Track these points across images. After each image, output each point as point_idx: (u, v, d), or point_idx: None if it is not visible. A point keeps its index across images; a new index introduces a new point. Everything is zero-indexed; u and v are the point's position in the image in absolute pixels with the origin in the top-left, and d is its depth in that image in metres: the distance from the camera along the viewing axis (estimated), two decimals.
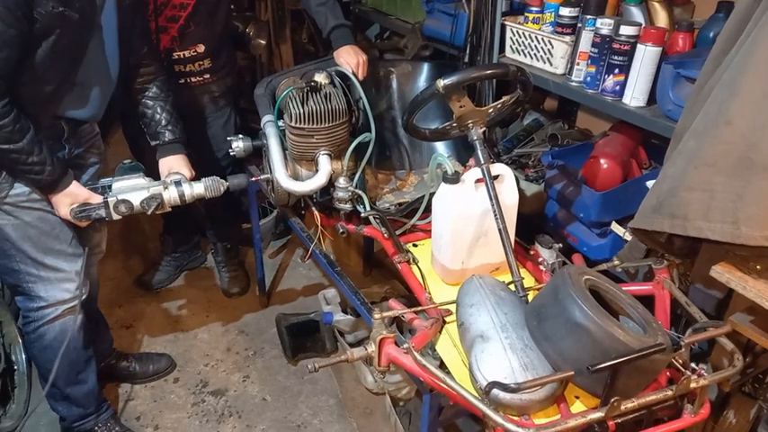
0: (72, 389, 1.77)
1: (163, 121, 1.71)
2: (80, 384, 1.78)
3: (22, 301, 1.66)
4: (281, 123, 1.75)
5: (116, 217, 1.54)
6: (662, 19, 1.80)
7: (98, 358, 1.87)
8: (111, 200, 1.52)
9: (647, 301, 1.34)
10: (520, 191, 1.54)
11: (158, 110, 1.71)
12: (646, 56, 1.62)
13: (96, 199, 1.53)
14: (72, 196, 1.51)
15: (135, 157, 2.11)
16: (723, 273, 1.24)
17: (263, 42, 2.83)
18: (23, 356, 2.05)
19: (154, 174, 1.69)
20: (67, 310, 1.64)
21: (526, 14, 1.96)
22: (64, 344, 1.61)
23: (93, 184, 1.58)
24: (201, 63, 2.10)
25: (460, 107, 1.42)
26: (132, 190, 1.56)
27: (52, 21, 1.30)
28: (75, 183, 1.51)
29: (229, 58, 2.23)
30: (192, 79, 2.11)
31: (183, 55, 2.05)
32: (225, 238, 2.58)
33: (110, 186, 1.57)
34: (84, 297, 1.67)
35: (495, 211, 1.38)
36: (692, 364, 1.15)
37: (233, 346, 2.31)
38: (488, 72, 1.48)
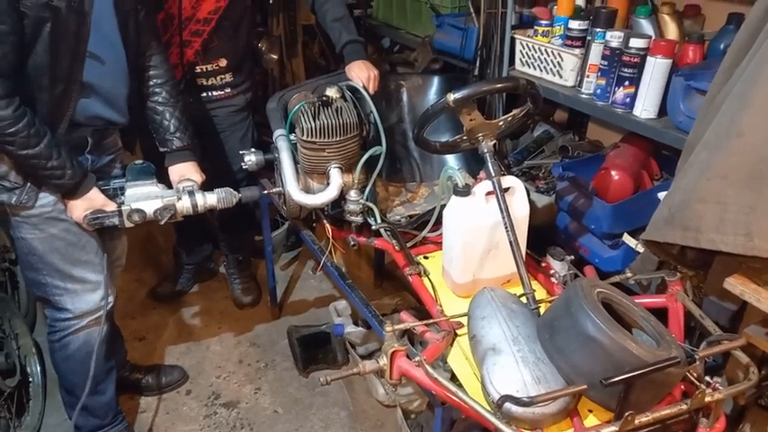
0: (90, 399, 1.77)
1: (171, 128, 1.70)
2: (99, 395, 1.79)
3: (50, 312, 1.68)
4: (292, 137, 1.77)
5: (128, 225, 1.55)
6: (672, 31, 1.81)
7: None
8: (126, 209, 1.53)
9: (661, 313, 1.34)
10: (530, 203, 1.55)
11: (167, 116, 1.69)
12: (656, 68, 1.63)
13: (111, 206, 1.53)
14: (89, 201, 1.51)
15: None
16: (737, 285, 1.23)
17: (275, 57, 2.87)
18: (38, 368, 2.07)
19: (165, 178, 1.69)
20: (93, 321, 1.66)
21: (536, 28, 1.97)
22: (93, 354, 1.62)
23: (105, 184, 1.58)
24: (223, 77, 2.13)
25: (471, 120, 1.43)
26: (146, 198, 1.57)
27: (40, 12, 1.30)
28: (95, 188, 1.52)
29: (250, 72, 2.27)
30: (214, 93, 2.14)
31: (206, 69, 2.09)
32: (237, 249, 2.60)
33: (122, 188, 1.58)
34: (110, 307, 1.69)
35: (506, 224, 1.38)
36: (707, 378, 1.14)
37: (245, 358, 2.32)
38: (499, 86, 1.49)
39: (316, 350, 2.27)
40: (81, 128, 1.54)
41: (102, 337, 1.71)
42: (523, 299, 1.36)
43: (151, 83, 1.68)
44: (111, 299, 1.70)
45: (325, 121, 1.63)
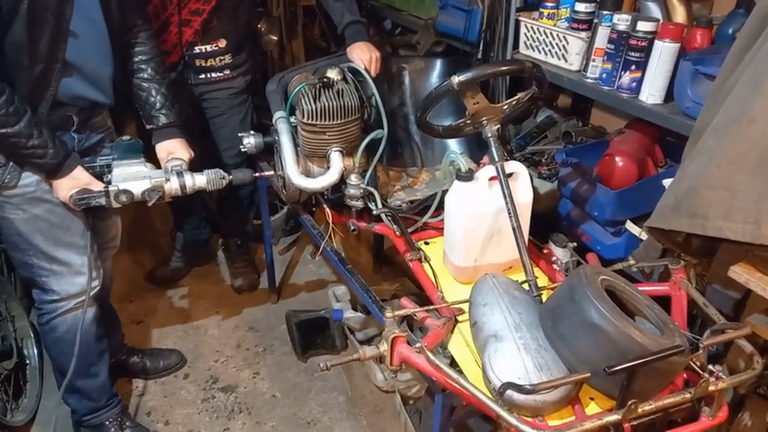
0: (83, 382, 1.77)
1: (157, 104, 1.67)
2: (91, 378, 1.78)
3: (36, 293, 1.67)
4: (292, 120, 1.74)
5: (116, 206, 1.52)
6: (680, 15, 1.77)
7: (110, 354, 1.87)
8: (113, 189, 1.50)
9: (664, 301, 1.32)
10: (533, 189, 1.53)
11: (153, 92, 1.66)
12: (663, 52, 1.59)
13: (97, 186, 1.50)
14: (74, 180, 1.48)
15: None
16: (742, 273, 1.22)
17: (274, 38, 2.83)
18: (35, 351, 2.06)
19: (155, 157, 1.66)
20: (79, 303, 1.65)
21: (541, 10, 1.93)
22: (77, 336, 1.61)
23: (92, 161, 1.55)
24: (222, 58, 2.10)
25: (475, 104, 1.40)
26: (134, 178, 1.53)
27: None
28: (79, 167, 1.48)
29: (249, 54, 2.23)
30: (213, 75, 2.11)
31: (205, 49, 2.05)
32: (236, 234, 2.58)
33: (108, 166, 1.55)
34: (96, 290, 1.67)
35: (509, 210, 1.36)
36: (710, 366, 1.13)
37: (243, 343, 2.31)
38: (504, 68, 1.46)
39: (314, 335, 2.27)
40: (65, 107, 1.50)
41: (91, 320, 1.70)
42: (525, 286, 1.35)
43: (136, 59, 1.66)
44: (96, 282, 1.67)
45: (326, 104, 1.60)
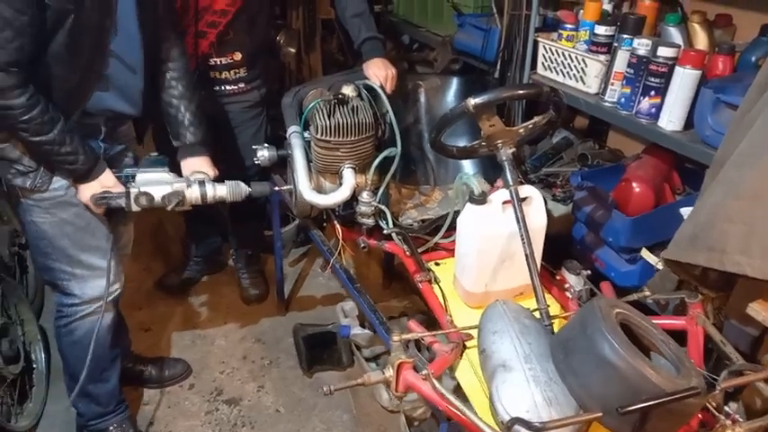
0: (94, 386, 1.78)
1: (186, 122, 1.68)
2: (103, 383, 1.79)
3: (57, 297, 1.69)
4: (306, 135, 1.73)
5: (135, 208, 1.53)
6: (701, 41, 1.74)
7: None
8: (134, 191, 1.51)
9: (679, 335, 1.29)
10: (547, 212, 1.50)
11: (182, 109, 1.67)
12: (684, 79, 1.57)
13: (119, 188, 1.52)
14: (101, 183, 1.51)
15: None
16: (760, 311, 1.19)
17: (292, 51, 2.84)
18: (43, 356, 2.07)
19: (178, 172, 1.66)
20: (99, 307, 1.65)
21: (560, 31, 1.92)
22: (93, 339, 1.62)
23: (118, 172, 1.57)
24: (237, 71, 2.10)
25: (490, 126, 1.38)
26: (156, 183, 1.54)
27: (64, 4, 1.28)
28: (107, 171, 1.51)
29: (264, 68, 2.23)
30: (227, 87, 2.12)
31: (220, 62, 2.06)
32: (247, 244, 2.57)
33: (134, 176, 1.57)
34: (117, 293, 1.69)
35: (522, 235, 1.34)
36: (726, 407, 1.09)
37: (249, 354, 2.30)
38: (521, 92, 1.44)
39: (321, 350, 2.25)
40: (93, 116, 1.53)
41: (109, 324, 1.71)
42: (536, 314, 1.32)
43: (168, 75, 1.66)
44: (117, 286, 1.69)
45: (340, 120, 1.60)
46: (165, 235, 2.88)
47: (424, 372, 1.12)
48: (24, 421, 1.88)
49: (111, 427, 1.84)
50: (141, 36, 1.50)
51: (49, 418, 1.97)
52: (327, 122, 1.60)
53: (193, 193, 1.58)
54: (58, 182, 1.50)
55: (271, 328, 2.43)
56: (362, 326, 2.16)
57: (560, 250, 1.72)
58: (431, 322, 1.42)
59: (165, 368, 2.14)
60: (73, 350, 1.73)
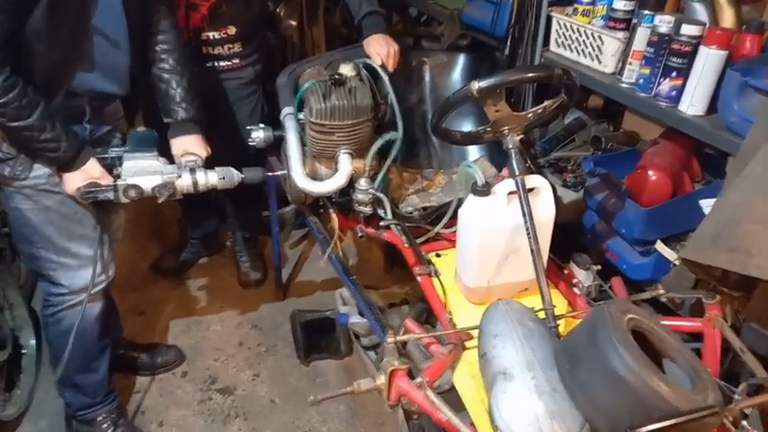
0: (82, 377, 1.73)
1: (177, 97, 1.59)
2: (91, 373, 1.74)
3: (44, 285, 1.63)
4: (301, 117, 1.63)
5: (124, 201, 1.46)
6: (728, 17, 1.61)
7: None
8: (122, 184, 1.44)
9: (694, 337, 1.20)
10: (556, 198, 1.40)
11: (173, 84, 1.59)
12: (709, 59, 1.45)
13: (106, 180, 1.44)
14: (85, 173, 1.43)
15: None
16: None
17: (293, 23, 2.72)
18: (33, 341, 2.01)
19: (168, 150, 1.59)
20: (88, 297, 1.59)
21: (575, 6, 1.79)
22: (74, 329, 1.56)
23: (103, 152, 1.49)
24: (231, 46, 1.99)
25: (496, 111, 1.28)
26: (145, 173, 1.47)
27: None
28: (92, 160, 1.43)
29: (261, 44, 2.12)
30: (221, 63, 2.01)
31: (213, 36, 1.95)
32: (245, 227, 2.50)
33: (120, 158, 1.49)
34: (105, 283, 1.63)
35: (528, 230, 1.25)
36: (744, 423, 1.01)
37: (245, 341, 2.24)
38: (530, 75, 1.33)
39: (319, 337, 2.19)
40: (77, 97, 1.44)
41: (97, 314, 1.66)
42: (541, 314, 1.23)
43: (158, 48, 1.57)
44: (105, 275, 1.63)
45: (337, 103, 1.50)
46: (162, 216, 2.80)
47: (419, 380, 1.04)
48: (11, 409, 1.83)
49: (99, 418, 1.80)
50: (124, 7, 1.40)
51: (38, 406, 1.92)
52: (323, 105, 1.50)
53: (184, 182, 1.50)
54: (39, 169, 1.41)
55: (268, 314, 2.36)
56: (361, 314, 2.09)
57: (570, 239, 1.62)
58: (432, 312, 1.33)
59: (158, 355, 2.09)
60: (60, 340, 1.66)
